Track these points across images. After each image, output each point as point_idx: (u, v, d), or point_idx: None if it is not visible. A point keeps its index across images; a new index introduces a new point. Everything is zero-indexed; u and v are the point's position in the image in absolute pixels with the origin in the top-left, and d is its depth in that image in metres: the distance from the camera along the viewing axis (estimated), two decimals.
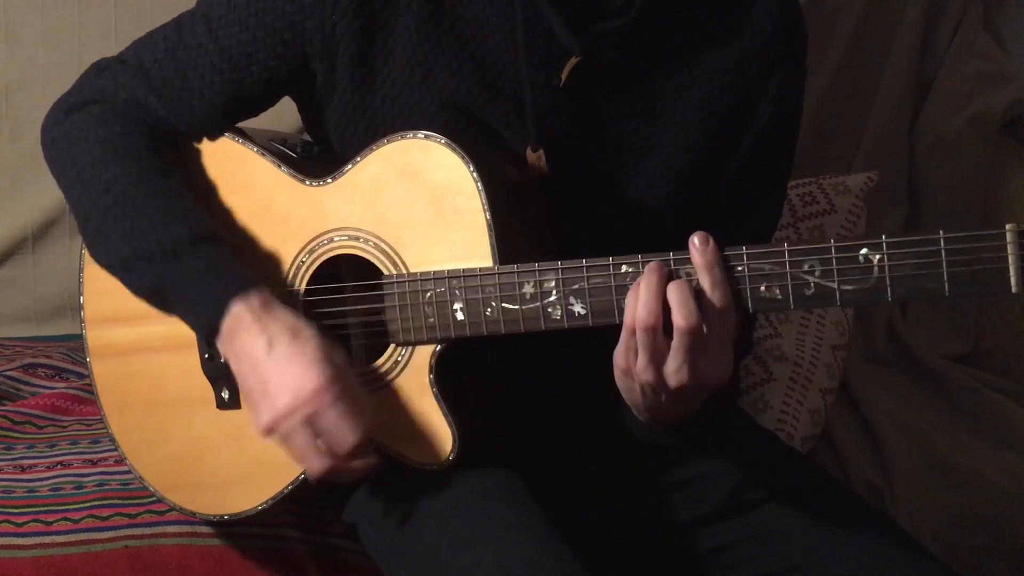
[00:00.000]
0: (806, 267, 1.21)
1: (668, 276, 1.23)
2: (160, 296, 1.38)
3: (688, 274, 1.24)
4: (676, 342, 1.22)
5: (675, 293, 1.22)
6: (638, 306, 1.22)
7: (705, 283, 1.22)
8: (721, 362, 1.24)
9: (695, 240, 1.22)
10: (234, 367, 1.35)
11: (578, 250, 1.29)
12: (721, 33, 1.43)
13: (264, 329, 1.31)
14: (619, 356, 1.26)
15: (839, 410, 2.20)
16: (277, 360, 1.30)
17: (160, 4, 2.23)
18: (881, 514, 1.65)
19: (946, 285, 1.16)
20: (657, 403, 1.27)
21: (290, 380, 1.29)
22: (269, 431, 1.31)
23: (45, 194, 2.26)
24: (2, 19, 2.27)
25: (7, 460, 1.73)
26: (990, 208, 2.46)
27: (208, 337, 1.35)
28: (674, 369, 1.23)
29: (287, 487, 1.44)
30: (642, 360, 1.23)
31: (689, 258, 1.23)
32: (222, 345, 1.34)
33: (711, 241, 1.22)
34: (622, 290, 1.26)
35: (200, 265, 1.35)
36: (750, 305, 1.23)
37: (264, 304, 1.33)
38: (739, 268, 1.23)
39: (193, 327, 1.37)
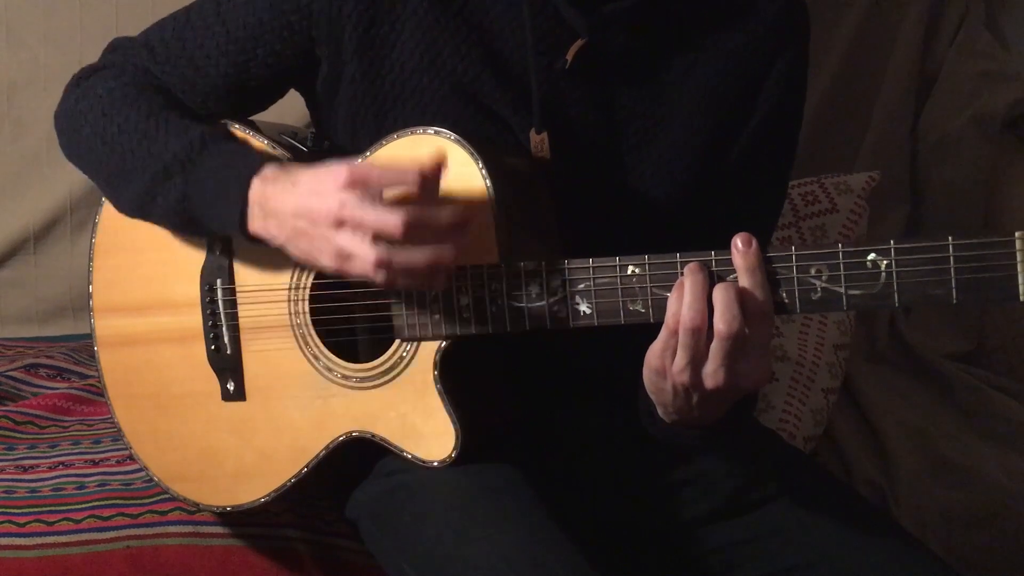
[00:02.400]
0: (813, 271, 1.20)
1: (712, 277, 1.22)
2: (187, 209, 1.36)
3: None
4: (715, 347, 1.20)
5: (720, 296, 1.19)
6: (683, 307, 1.20)
7: (747, 285, 1.20)
8: (760, 366, 1.22)
9: (738, 242, 1.21)
10: (275, 230, 1.30)
11: (582, 239, 1.29)
12: (727, 18, 1.43)
13: (286, 178, 1.29)
14: (654, 356, 1.24)
15: (841, 410, 2.20)
16: (303, 184, 1.27)
17: (161, 3, 2.23)
18: (883, 513, 1.65)
19: (954, 292, 1.15)
20: (687, 405, 1.25)
21: (320, 186, 1.25)
22: (337, 227, 1.24)
23: (47, 194, 2.26)
24: (4, 19, 2.27)
25: (9, 460, 1.73)
26: (992, 207, 2.46)
27: (243, 228, 1.32)
28: (711, 372, 1.21)
29: (290, 480, 1.44)
30: (681, 361, 1.21)
31: (705, 257, 1.22)
32: (256, 223, 1.31)
33: (754, 243, 1.20)
34: (628, 291, 1.26)
35: (216, 160, 1.35)
36: None
37: (279, 167, 1.31)
38: None
39: (227, 226, 1.34)
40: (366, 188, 1.23)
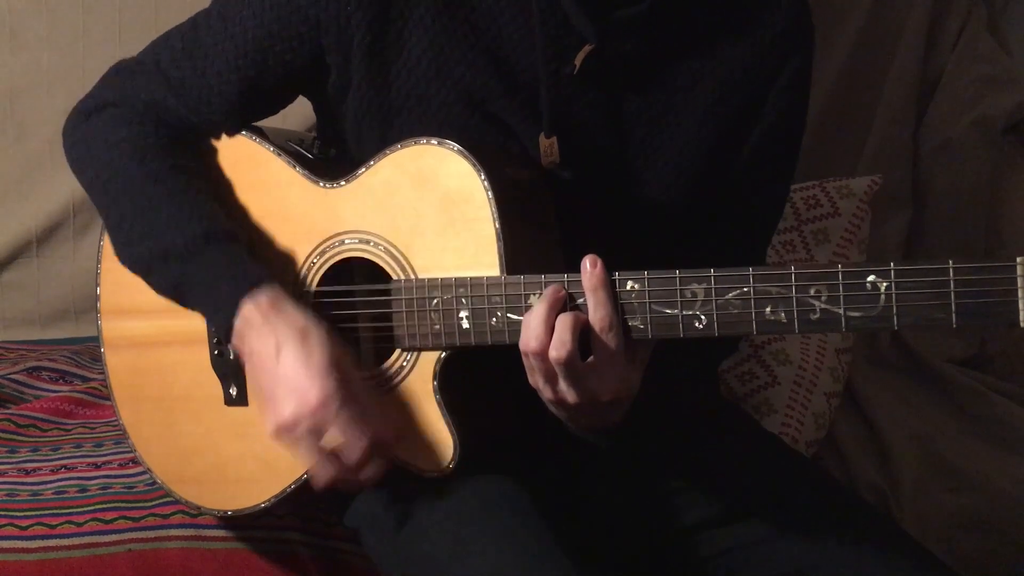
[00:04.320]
0: (812, 291, 1.19)
1: (564, 303, 1.26)
2: (180, 294, 1.39)
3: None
4: (556, 369, 1.26)
5: (557, 323, 1.25)
6: (528, 331, 1.26)
7: (589, 304, 1.25)
8: (613, 380, 1.26)
9: (585, 262, 1.25)
10: (247, 367, 1.36)
11: (586, 245, 1.29)
12: (735, 26, 1.43)
13: (273, 331, 1.31)
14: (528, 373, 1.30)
15: (843, 414, 2.20)
16: (285, 366, 1.30)
17: (165, 7, 2.24)
18: (885, 518, 1.64)
19: (953, 316, 1.14)
20: (569, 416, 1.31)
21: (296, 389, 1.29)
22: (276, 436, 1.31)
23: (49, 197, 2.27)
24: (6, 22, 2.27)
25: (11, 463, 1.73)
26: (993, 211, 2.46)
27: (225, 336, 1.35)
28: (564, 389, 1.27)
29: (290, 485, 1.45)
30: (538, 380, 1.28)
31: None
32: (236, 344, 1.35)
33: (599, 264, 1.25)
34: (628, 307, 1.26)
35: (213, 263, 1.36)
36: (754, 328, 1.22)
37: (273, 303, 1.33)
38: (744, 290, 1.22)
39: (211, 325, 1.40)
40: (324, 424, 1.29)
